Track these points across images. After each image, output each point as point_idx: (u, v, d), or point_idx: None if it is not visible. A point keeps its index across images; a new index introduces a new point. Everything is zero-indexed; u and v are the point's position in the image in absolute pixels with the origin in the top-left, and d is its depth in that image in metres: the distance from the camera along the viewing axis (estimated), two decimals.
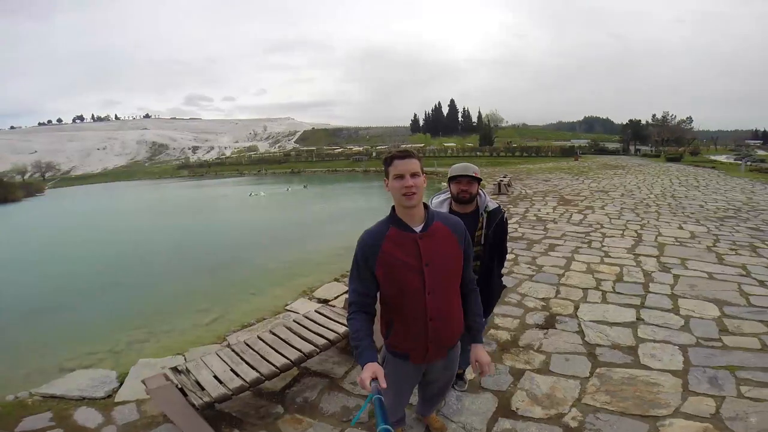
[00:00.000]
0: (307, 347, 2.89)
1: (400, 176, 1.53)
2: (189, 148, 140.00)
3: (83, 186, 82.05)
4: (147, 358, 3.93)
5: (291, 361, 2.74)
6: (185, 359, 3.55)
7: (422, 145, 65.42)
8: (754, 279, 4.61)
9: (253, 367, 2.68)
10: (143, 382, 2.59)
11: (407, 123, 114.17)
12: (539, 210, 9.98)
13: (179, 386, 2.55)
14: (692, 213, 8.95)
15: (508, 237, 2.48)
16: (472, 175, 2.17)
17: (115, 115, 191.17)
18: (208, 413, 2.48)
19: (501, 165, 33.99)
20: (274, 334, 3.19)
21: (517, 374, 2.93)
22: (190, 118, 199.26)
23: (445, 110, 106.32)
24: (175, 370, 2.77)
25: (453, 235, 1.67)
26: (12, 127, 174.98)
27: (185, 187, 45.78)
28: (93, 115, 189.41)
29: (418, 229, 1.61)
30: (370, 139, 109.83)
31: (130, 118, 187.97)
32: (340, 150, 76.00)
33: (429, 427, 2.41)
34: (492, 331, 3.58)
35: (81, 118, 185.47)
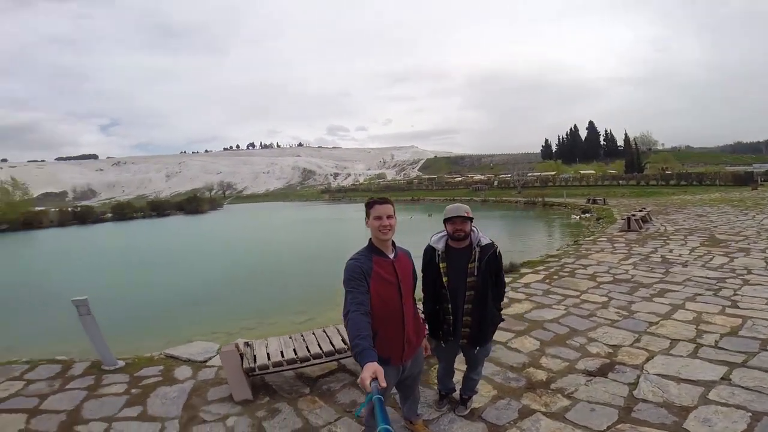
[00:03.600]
0: (339, 345, 3.34)
1: (379, 217, 1.99)
2: (331, 175, 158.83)
3: (251, 204, 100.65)
4: (245, 338, 4.96)
5: (323, 352, 3.24)
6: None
7: (553, 173, 60.29)
8: None
9: (294, 351, 3.28)
10: (220, 347, 3.42)
11: (537, 149, 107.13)
12: (671, 251, 8.48)
13: (242, 354, 3.29)
14: None
15: (503, 271, 2.60)
16: (464, 215, 2.40)
17: (277, 143, 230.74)
18: (257, 381, 3.15)
19: (647, 196, 29.18)
20: (324, 332, 3.74)
21: (526, 414, 2.80)
22: (333, 147, 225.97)
23: (583, 134, 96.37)
24: (245, 344, 3.55)
25: (410, 260, 2.23)
26: (206, 151, 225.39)
27: (325, 210, 51.95)
28: (261, 143, 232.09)
29: (391, 256, 2.09)
30: (494, 167, 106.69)
31: (288, 146, 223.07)
32: (460, 178, 75.84)
33: None
34: (531, 368, 3.44)
35: (252, 144, 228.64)
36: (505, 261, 7.96)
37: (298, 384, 3.35)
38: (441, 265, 2.47)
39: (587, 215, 19.77)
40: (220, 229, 31.36)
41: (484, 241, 2.47)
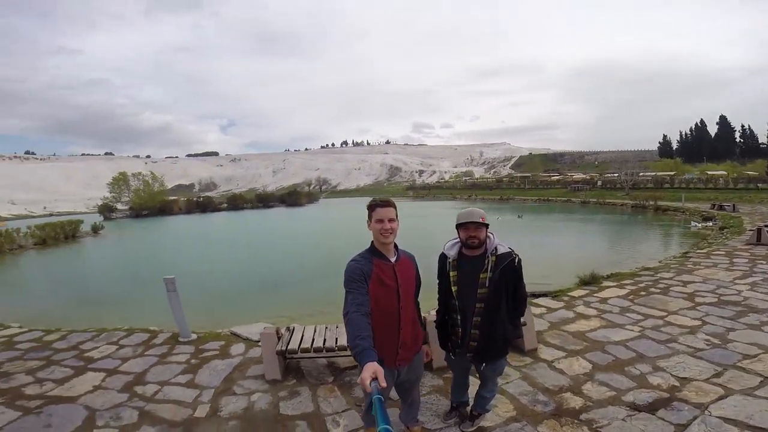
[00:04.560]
0: None
1: (380, 220, 2.00)
2: (416, 172, 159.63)
3: (343, 198, 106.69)
4: (303, 324, 5.34)
5: (347, 345, 3.34)
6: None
7: (672, 173, 52.02)
8: None
9: (324, 341, 3.46)
10: (264, 329, 3.77)
11: (652, 146, 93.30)
12: None
13: (280, 337, 3.57)
14: None
15: (524, 283, 2.36)
16: (479, 221, 2.23)
17: (367, 141, 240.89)
18: (293, 364, 3.40)
19: None
20: None
21: None
22: (419, 144, 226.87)
23: (713, 129, 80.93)
24: (287, 329, 3.84)
25: (412, 263, 2.19)
26: (306, 149, 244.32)
27: (409, 206, 52.36)
28: (353, 141, 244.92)
29: (392, 259, 2.08)
30: (599, 165, 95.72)
31: (377, 144, 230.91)
32: (558, 177, 69.60)
33: None
34: (567, 393, 3.08)
35: (346, 143, 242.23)
36: (587, 270, 7.25)
37: (325, 372, 3.53)
38: (451, 273, 2.35)
39: (709, 223, 16.81)
40: (312, 221, 33.85)
41: (502, 249, 2.27)
